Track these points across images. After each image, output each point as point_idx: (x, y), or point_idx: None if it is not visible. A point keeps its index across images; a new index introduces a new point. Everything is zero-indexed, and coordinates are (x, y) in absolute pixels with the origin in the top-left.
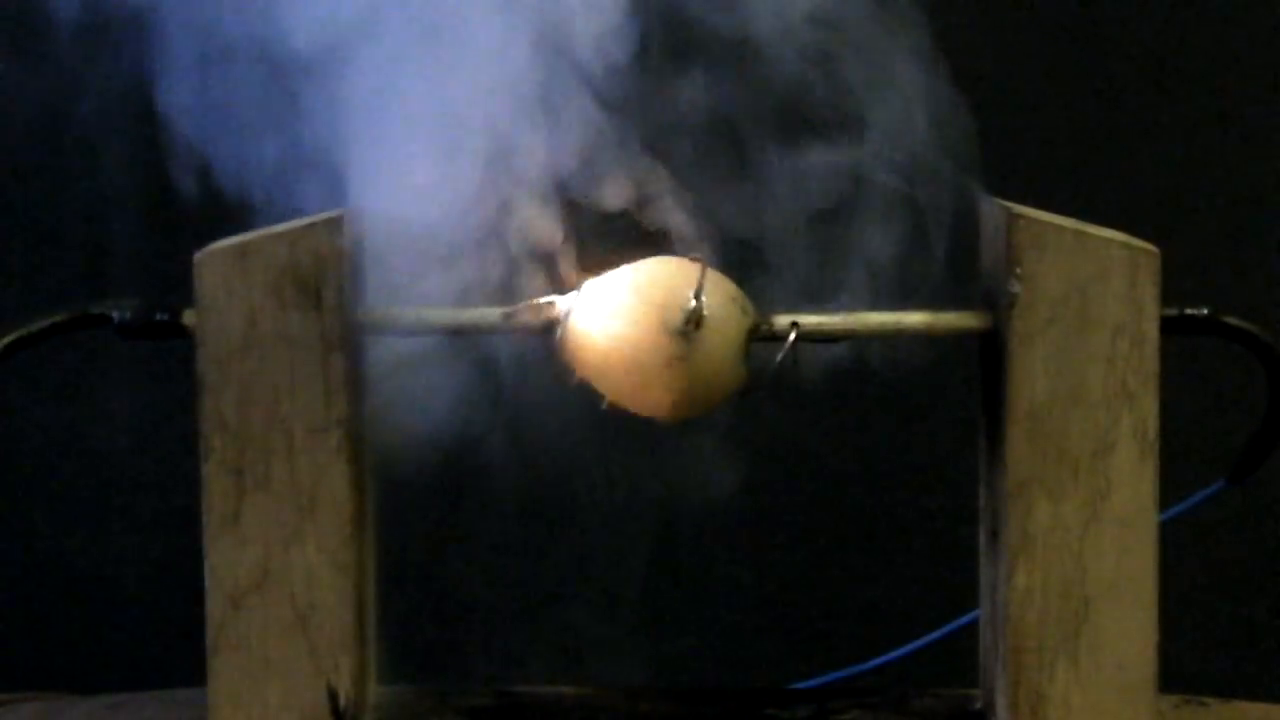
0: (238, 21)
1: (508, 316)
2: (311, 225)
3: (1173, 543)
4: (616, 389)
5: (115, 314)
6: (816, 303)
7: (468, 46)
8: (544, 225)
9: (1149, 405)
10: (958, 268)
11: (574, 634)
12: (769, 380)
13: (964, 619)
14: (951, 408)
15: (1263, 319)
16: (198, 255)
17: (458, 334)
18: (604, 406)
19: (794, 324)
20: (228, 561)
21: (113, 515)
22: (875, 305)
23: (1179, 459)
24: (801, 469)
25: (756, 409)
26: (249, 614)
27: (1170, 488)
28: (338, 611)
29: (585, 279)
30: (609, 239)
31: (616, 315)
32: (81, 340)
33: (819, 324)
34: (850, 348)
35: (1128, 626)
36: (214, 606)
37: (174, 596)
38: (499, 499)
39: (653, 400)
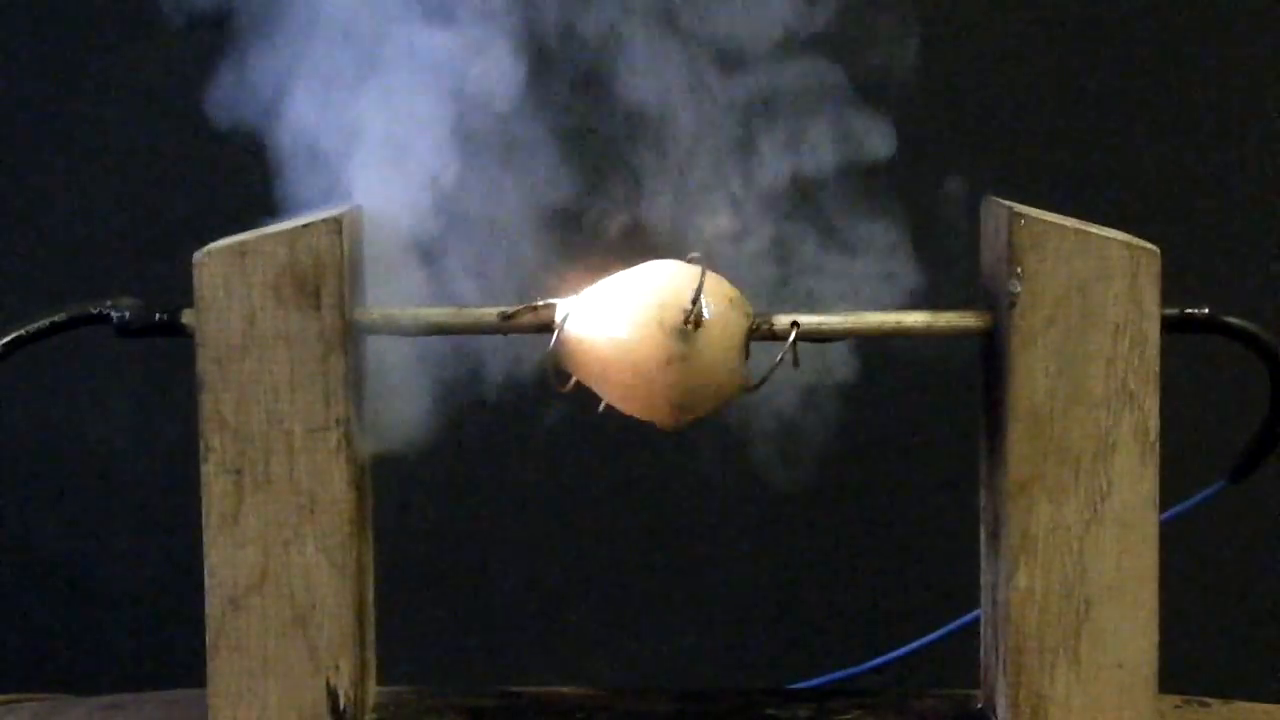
0: None
1: (506, 318)
2: (311, 225)
3: (1173, 543)
4: (615, 391)
5: (115, 314)
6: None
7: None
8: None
9: (1149, 405)
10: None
11: (574, 634)
12: (769, 381)
13: (964, 619)
14: (951, 408)
15: (1263, 319)
16: (197, 255)
17: (457, 334)
18: (601, 409)
19: (794, 324)
20: (227, 561)
21: (113, 515)
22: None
23: (1179, 459)
24: (802, 469)
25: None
26: (249, 614)
27: (1170, 488)
28: (337, 611)
29: (585, 282)
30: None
31: (616, 318)
32: (81, 340)
33: (819, 324)
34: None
35: (1128, 626)
36: (214, 606)
37: (174, 596)
38: (499, 498)
39: (652, 402)
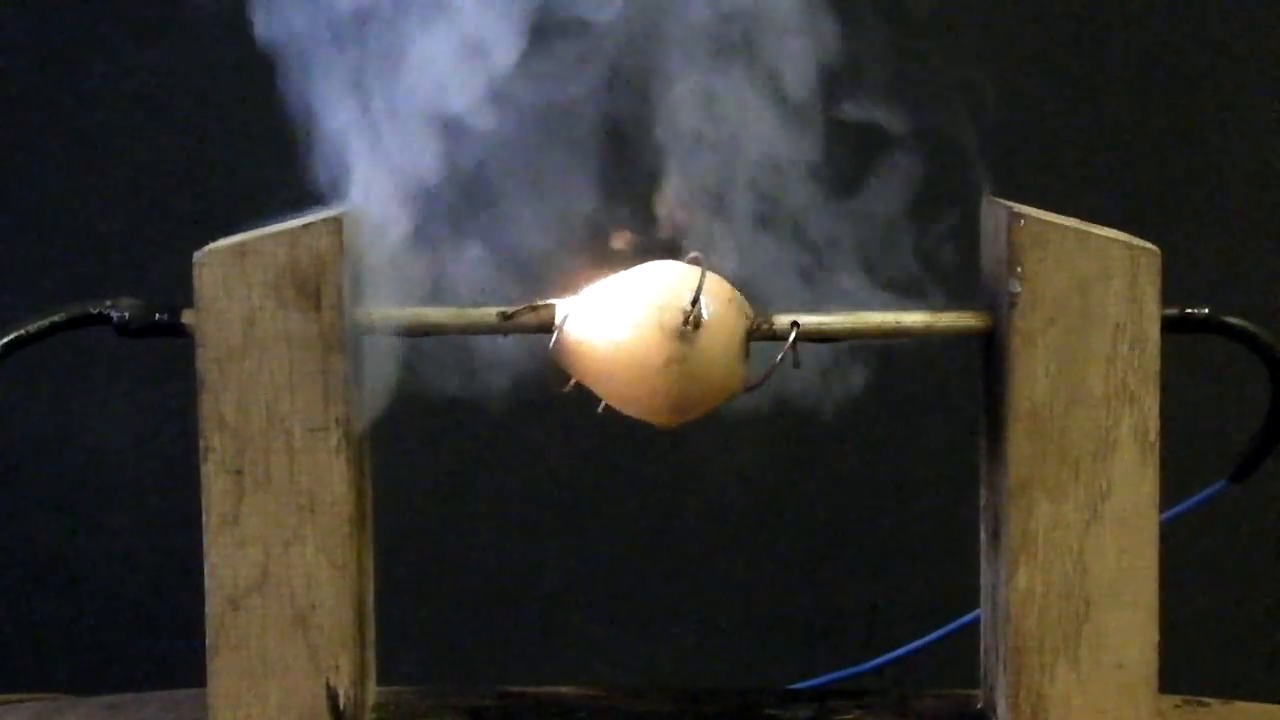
0: None
1: (506, 318)
2: (311, 225)
3: (1173, 543)
4: (615, 392)
5: (115, 314)
6: None
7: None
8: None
9: (1149, 405)
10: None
11: (574, 634)
12: (769, 381)
13: (964, 619)
14: (951, 408)
15: (1263, 319)
16: (197, 255)
17: (456, 334)
18: (600, 409)
19: (794, 324)
20: (227, 561)
21: (113, 515)
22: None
23: (1179, 459)
24: (802, 469)
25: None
26: (249, 614)
27: (1170, 488)
28: (337, 611)
29: (585, 282)
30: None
31: (615, 318)
32: (81, 340)
33: (819, 324)
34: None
35: (1128, 626)
36: (214, 606)
37: (174, 596)
38: (499, 498)
39: (651, 403)
